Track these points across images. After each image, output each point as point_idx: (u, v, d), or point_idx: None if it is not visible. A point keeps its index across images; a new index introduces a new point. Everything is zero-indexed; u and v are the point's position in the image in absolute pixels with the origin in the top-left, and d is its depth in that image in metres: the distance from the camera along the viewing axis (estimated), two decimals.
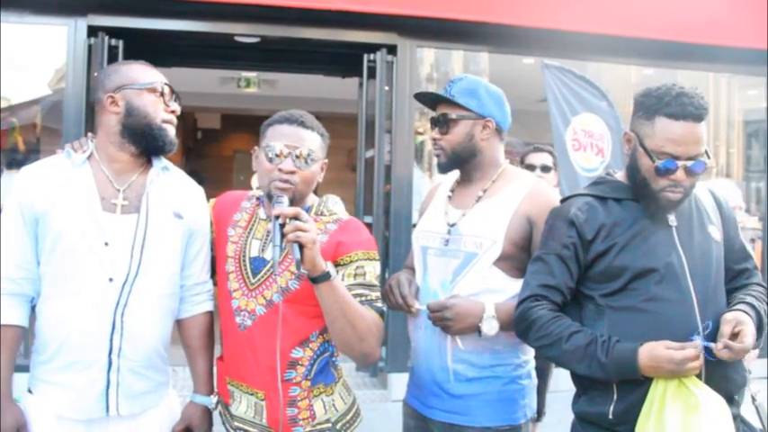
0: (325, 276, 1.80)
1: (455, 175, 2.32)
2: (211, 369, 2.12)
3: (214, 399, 2.12)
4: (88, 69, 5.20)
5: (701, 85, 6.84)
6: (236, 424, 2.06)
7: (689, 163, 1.80)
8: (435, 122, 2.23)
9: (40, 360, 1.92)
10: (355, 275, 1.95)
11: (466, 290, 2.08)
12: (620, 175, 2.00)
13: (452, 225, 2.18)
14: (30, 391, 1.94)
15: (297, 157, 1.94)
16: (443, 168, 2.26)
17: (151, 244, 1.94)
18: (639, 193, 1.89)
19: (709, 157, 1.84)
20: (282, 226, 1.77)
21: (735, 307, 1.84)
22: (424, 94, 2.33)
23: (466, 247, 2.11)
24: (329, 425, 2.02)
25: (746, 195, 6.87)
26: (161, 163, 2.06)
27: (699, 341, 1.73)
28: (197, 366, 2.12)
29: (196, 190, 2.14)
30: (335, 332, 1.90)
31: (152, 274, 1.94)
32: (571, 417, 2.03)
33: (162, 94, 1.99)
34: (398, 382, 5.68)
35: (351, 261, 1.96)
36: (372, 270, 1.98)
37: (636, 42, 5.86)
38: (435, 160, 2.39)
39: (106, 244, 1.89)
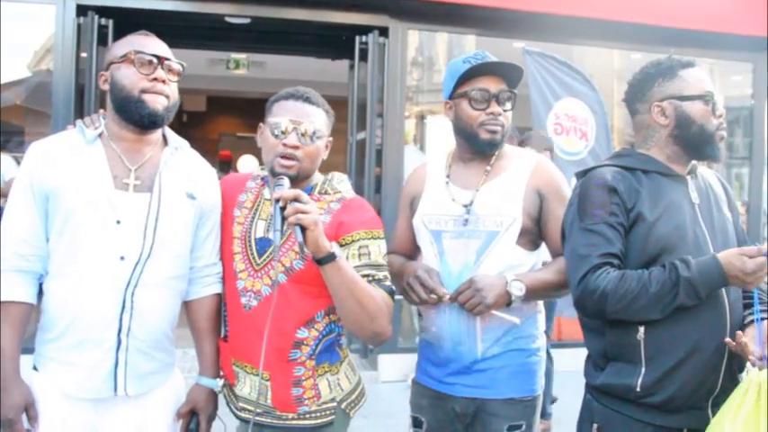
0: (331, 257, 1.79)
1: (439, 156, 2.32)
2: (218, 351, 2.11)
3: (220, 382, 2.10)
4: (77, 49, 5.12)
5: None
6: (240, 405, 2.05)
7: (719, 99, 1.95)
8: (498, 98, 2.14)
9: (48, 338, 1.91)
10: (360, 255, 1.94)
11: (491, 269, 2.10)
12: (643, 151, 2.02)
13: (468, 205, 2.17)
14: (35, 369, 1.93)
15: (302, 133, 1.94)
16: (493, 147, 2.18)
17: (164, 224, 1.92)
18: (699, 143, 1.93)
19: None
20: (283, 209, 1.76)
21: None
22: (499, 64, 2.14)
23: (486, 227, 2.12)
24: (334, 404, 2.02)
25: (729, 182, 6.92)
26: (174, 142, 2.04)
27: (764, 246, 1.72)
28: (204, 348, 2.10)
29: (209, 171, 2.12)
30: (345, 312, 1.90)
31: (164, 255, 1.93)
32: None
33: (141, 64, 1.91)
34: (387, 364, 5.73)
35: (353, 241, 1.95)
36: (377, 249, 1.97)
37: (623, 27, 5.92)
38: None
39: (118, 222, 1.87)
